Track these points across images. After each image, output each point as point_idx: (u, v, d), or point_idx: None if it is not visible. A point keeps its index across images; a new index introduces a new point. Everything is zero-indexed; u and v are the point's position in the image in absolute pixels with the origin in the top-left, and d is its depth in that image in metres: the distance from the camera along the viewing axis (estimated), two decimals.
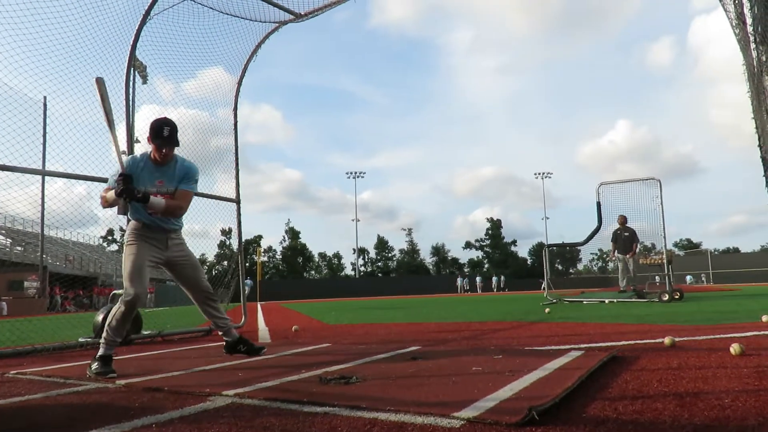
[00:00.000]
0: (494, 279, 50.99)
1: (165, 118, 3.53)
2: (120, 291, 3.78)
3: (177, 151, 3.64)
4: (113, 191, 3.35)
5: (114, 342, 3.38)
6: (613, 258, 12.20)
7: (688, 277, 44.08)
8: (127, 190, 3.28)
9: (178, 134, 3.55)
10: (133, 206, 3.51)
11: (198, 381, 2.84)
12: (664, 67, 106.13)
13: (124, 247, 3.55)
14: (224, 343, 3.96)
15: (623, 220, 11.85)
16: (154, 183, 3.49)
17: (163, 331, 5.85)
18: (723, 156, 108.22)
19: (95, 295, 30.55)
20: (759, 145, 3.77)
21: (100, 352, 3.30)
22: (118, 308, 3.40)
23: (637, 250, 11.82)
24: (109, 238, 63.71)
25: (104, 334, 3.39)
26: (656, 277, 13.07)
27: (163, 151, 3.45)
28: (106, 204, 3.47)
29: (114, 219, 5.86)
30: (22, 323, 8.92)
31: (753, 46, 3.24)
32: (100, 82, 3.43)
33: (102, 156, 5.41)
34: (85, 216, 5.74)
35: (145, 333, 5.68)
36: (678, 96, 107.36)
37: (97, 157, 5.32)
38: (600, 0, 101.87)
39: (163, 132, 3.42)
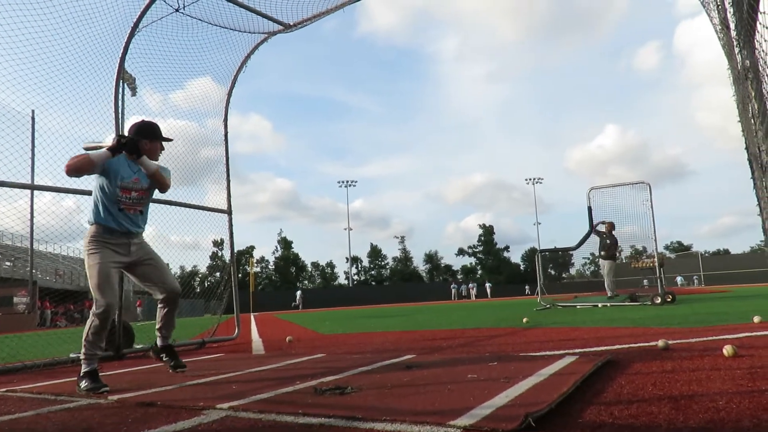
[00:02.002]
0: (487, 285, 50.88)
1: (150, 121, 3.75)
2: None
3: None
4: (100, 150, 3.42)
5: (94, 355, 3.31)
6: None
7: (679, 278, 44.31)
8: (130, 142, 3.49)
9: (169, 146, 3.76)
10: (105, 208, 3.46)
11: (192, 394, 2.81)
12: (652, 71, 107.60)
13: (86, 256, 3.43)
14: (156, 345, 3.83)
15: (611, 227, 11.93)
16: (132, 178, 3.57)
17: None
18: (711, 158, 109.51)
19: (86, 309, 30.23)
20: (745, 148, 3.82)
21: (84, 368, 3.24)
22: (91, 321, 3.33)
23: (617, 256, 11.96)
24: None
25: (83, 350, 3.31)
26: (645, 280, 13.13)
27: (162, 148, 3.73)
28: (84, 163, 3.33)
29: None
30: (12, 339, 8.80)
31: (737, 50, 3.29)
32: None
33: None
34: (74, 229, 5.69)
35: (137, 347, 5.62)
36: (665, 99, 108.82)
37: None
38: (587, 6, 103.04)
39: (161, 132, 3.70)
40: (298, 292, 43.12)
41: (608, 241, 11.85)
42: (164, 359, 3.78)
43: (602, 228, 11.92)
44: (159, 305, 3.78)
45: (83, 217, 5.52)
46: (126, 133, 3.68)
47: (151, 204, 3.80)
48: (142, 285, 3.73)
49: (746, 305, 8.71)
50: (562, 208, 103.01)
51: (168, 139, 3.76)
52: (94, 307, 3.34)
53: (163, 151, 3.77)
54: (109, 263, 3.42)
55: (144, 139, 3.60)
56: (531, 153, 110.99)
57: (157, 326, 3.82)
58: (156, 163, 3.72)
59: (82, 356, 3.30)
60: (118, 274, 3.52)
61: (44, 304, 27.68)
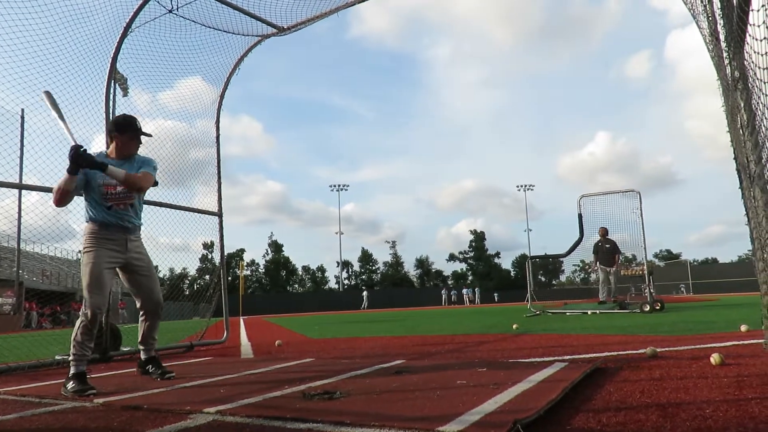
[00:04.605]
0: (469, 291, 50.55)
1: (126, 115, 3.67)
2: None
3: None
4: (64, 176, 3.22)
5: (83, 356, 3.30)
6: (595, 269, 12.30)
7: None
8: (85, 157, 3.13)
9: (160, 147, 3.64)
10: (91, 204, 3.44)
11: (178, 398, 2.79)
12: (643, 80, 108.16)
13: (82, 255, 3.42)
14: (141, 359, 3.83)
15: (604, 231, 12.01)
16: None
17: None
18: (701, 167, 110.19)
19: (73, 311, 29.91)
20: (734, 158, 3.86)
21: (72, 370, 3.21)
22: (80, 321, 3.32)
23: (620, 261, 11.98)
24: None
25: (72, 350, 3.30)
26: (632, 288, 13.22)
27: (140, 142, 3.61)
28: (59, 195, 3.25)
29: None
30: None
31: (727, 61, 3.33)
32: (48, 96, 3.54)
33: None
34: (61, 230, 5.63)
35: (125, 350, 5.56)
36: (656, 107, 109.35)
37: None
38: (579, 14, 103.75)
39: (138, 124, 3.60)
40: (365, 293, 44.98)
41: (607, 246, 11.88)
42: (150, 371, 3.71)
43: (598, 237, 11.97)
44: (141, 317, 3.78)
45: (71, 217, 5.48)
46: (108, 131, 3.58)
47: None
48: (129, 289, 3.71)
49: (734, 314, 8.78)
50: (553, 215, 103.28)
51: (146, 134, 3.64)
52: (83, 307, 3.33)
53: (140, 145, 3.67)
54: (103, 263, 3.40)
55: (117, 133, 3.52)
56: (522, 159, 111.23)
57: (139, 339, 3.81)
58: (141, 155, 3.67)
59: (70, 357, 3.28)
60: (111, 274, 3.50)
61: (30, 305, 27.35)
